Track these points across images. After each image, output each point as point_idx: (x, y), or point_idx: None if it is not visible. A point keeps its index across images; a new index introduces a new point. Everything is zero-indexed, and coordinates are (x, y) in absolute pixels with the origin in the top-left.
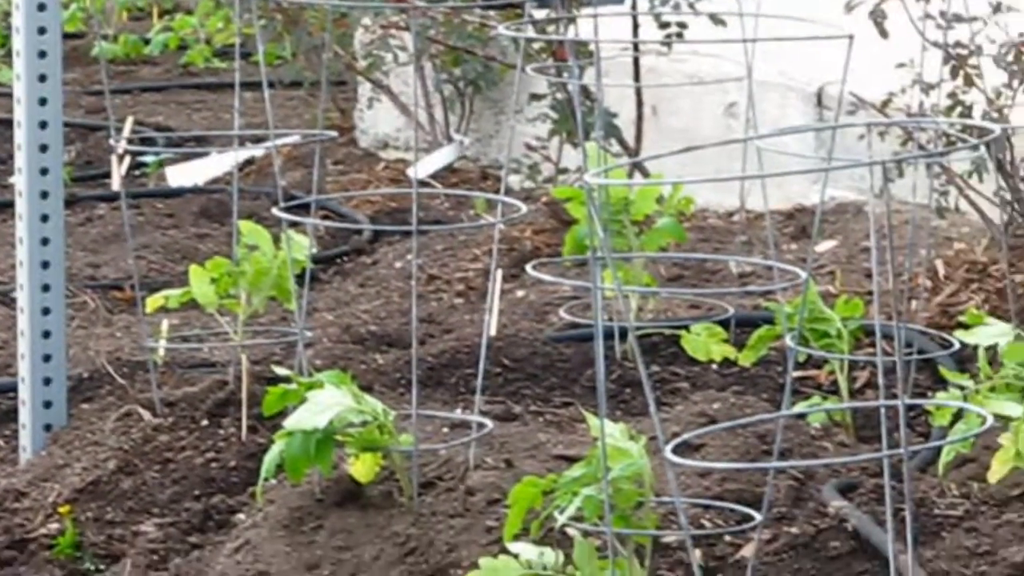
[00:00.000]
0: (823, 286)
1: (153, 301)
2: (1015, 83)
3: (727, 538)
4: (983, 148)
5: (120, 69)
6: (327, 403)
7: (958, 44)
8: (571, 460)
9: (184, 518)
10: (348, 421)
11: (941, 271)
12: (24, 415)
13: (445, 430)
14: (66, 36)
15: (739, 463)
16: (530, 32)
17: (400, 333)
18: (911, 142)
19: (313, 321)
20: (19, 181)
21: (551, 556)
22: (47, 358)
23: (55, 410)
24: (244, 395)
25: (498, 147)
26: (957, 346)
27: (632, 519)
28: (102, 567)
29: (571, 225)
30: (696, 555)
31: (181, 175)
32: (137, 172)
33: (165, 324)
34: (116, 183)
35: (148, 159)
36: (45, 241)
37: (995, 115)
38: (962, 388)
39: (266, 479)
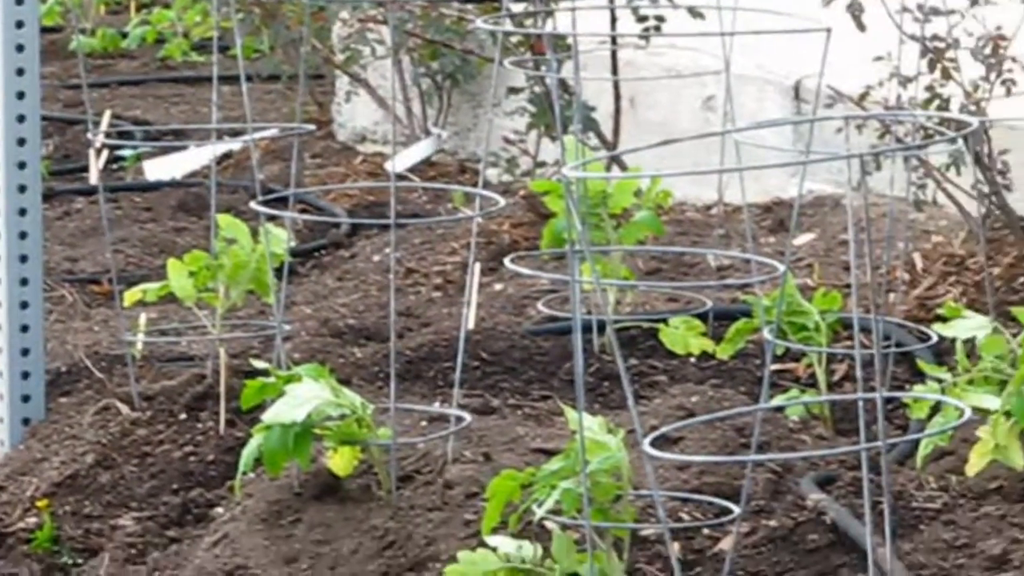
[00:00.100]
0: (801, 279)
1: (131, 295)
2: (992, 76)
3: (705, 531)
4: (961, 141)
5: (98, 63)
6: (305, 396)
7: (935, 37)
8: (549, 453)
9: (162, 512)
10: (326, 414)
11: (919, 264)
12: (2, 409)
13: (423, 423)
14: (44, 30)
15: (717, 456)
16: (508, 26)
17: (378, 326)
18: (889, 135)
19: (291, 315)
20: None
21: (529, 549)
22: (25, 352)
23: (33, 404)
24: (222, 389)
25: (476, 141)
26: (935, 339)
27: (610, 512)
28: (80, 561)
29: (549, 218)
30: (674, 548)
31: (159, 169)
32: (115, 166)
33: (143, 318)
34: (94, 177)
35: (126, 153)
36: (23, 235)
37: (973, 108)
38: (940, 381)
39: (244, 473)
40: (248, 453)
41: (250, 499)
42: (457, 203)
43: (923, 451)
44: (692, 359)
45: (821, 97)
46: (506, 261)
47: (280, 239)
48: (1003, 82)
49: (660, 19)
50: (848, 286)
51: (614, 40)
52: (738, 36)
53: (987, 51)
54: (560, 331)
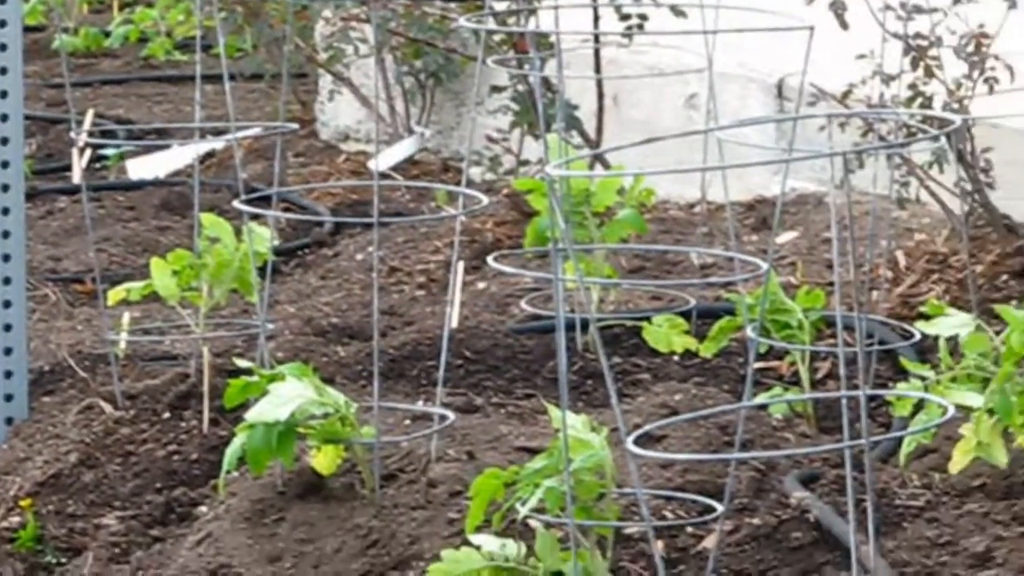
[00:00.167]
0: (784, 277)
1: (114, 294)
2: (975, 74)
3: (689, 529)
4: (944, 139)
5: (81, 62)
6: (289, 395)
7: (918, 35)
8: (533, 452)
9: (146, 511)
10: (310, 413)
11: (902, 262)
12: None
13: (407, 422)
14: (27, 29)
15: (701, 454)
16: (491, 24)
17: (362, 325)
18: (872, 133)
19: (275, 313)
20: None
21: (513, 548)
22: (8, 351)
23: (16, 403)
24: (206, 388)
25: (459, 139)
26: (918, 337)
27: (594, 511)
28: (64, 560)
29: (532, 217)
30: (658, 546)
31: (142, 168)
32: (98, 165)
33: (126, 317)
34: (77, 176)
35: (109, 152)
36: (6, 234)
37: (955, 106)
38: (923, 379)
39: (228, 471)
40: (231, 452)
41: (234, 498)
42: (440, 202)
43: (906, 449)
44: (675, 357)
45: (804, 95)
46: (489, 259)
47: (263, 238)
48: (986, 80)
49: (643, 17)
50: (831, 284)
51: (597, 38)
52: (721, 34)
53: (970, 49)
54: (543, 329)
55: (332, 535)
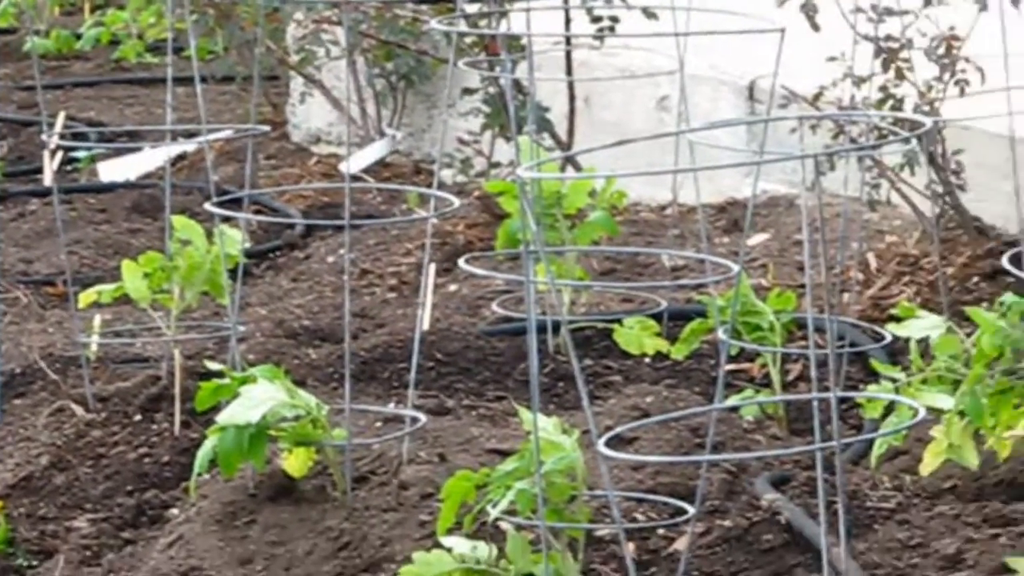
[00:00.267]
0: (755, 279)
1: (86, 296)
2: (946, 76)
3: (660, 531)
4: (915, 141)
5: (52, 64)
6: (260, 398)
7: (889, 37)
8: (504, 454)
9: (117, 513)
10: (281, 416)
11: (873, 264)
12: None
13: (378, 424)
14: None
15: (672, 456)
16: (462, 26)
17: (333, 327)
18: (843, 135)
19: (246, 316)
20: None
21: (484, 550)
22: None
23: None
24: (177, 390)
25: (431, 141)
26: (889, 339)
27: (565, 513)
28: (35, 563)
29: (504, 219)
30: (629, 548)
31: (113, 170)
32: (69, 167)
33: (98, 319)
34: (48, 178)
35: (80, 154)
36: None
37: (926, 108)
38: (894, 381)
39: (199, 474)
40: (203, 454)
41: (205, 500)
42: (412, 204)
43: (877, 451)
44: (647, 359)
45: (775, 97)
46: (461, 262)
47: (234, 240)
48: (956, 82)
49: (614, 20)
50: (802, 286)
51: (568, 41)
52: (692, 37)
53: (940, 51)
54: (515, 332)
55: (303, 537)
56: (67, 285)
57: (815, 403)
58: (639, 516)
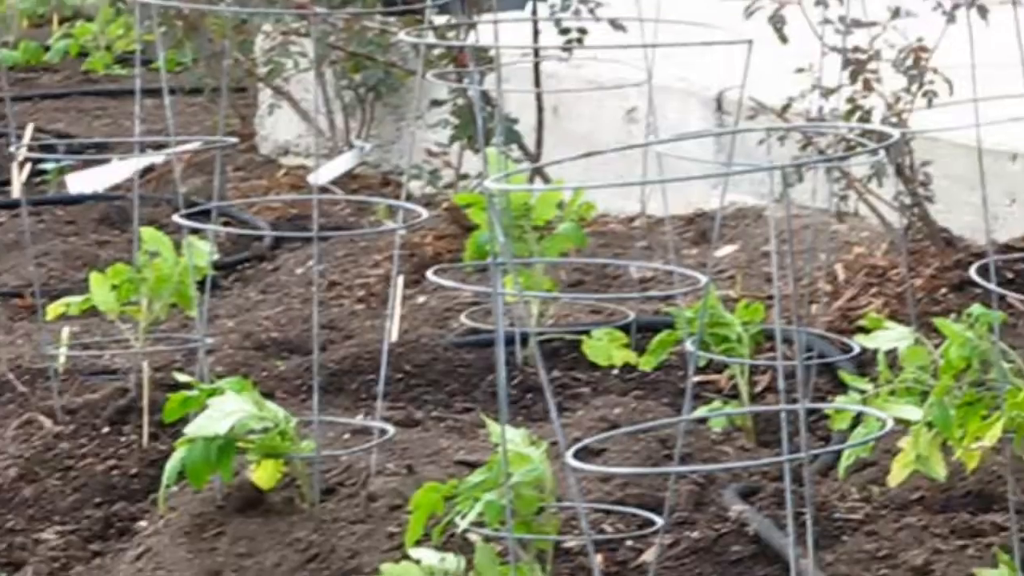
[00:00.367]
0: (723, 291)
1: (54, 308)
2: (914, 88)
3: (628, 543)
4: (882, 153)
5: (20, 76)
6: (228, 410)
7: (857, 49)
8: (472, 466)
9: (85, 526)
10: (249, 428)
11: (841, 275)
12: None
13: (346, 436)
14: None
15: (640, 468)
16: (430, 38)
17: (301, 339)
18: (811, 147)
19: (214, 328)
20: None
21: (453, 561)
22: None
23: None
24: (145, 402)
25: (399, 153)
26: (857, 350)
27: (533, 524)
28: (3, 575)
29: (472, 231)
30: (597, 560)
31: (82, 182)
32: (37, 179)
33: (66, 331)
34: (16, 190)
35: (48, 166)
36: None
37: (894, 120)
38: (862, 392)
39: (168, 486)
40: (171, 466)
41: (173, 512)
42: (380, 216)
43: (845, 462)
44: (615, 371)
45: (743, 109)
46: (429, 273)
47: (203, 252)
48: (924, 93)
49: (582, 31)
50: (770, 297)
51: (537, 52)
52: (660, 48)
53: (908, 63)
54: (483, 343)
55: (272, 549)
56: (35, 297)
57: (783, 415)
58: (607, 528)
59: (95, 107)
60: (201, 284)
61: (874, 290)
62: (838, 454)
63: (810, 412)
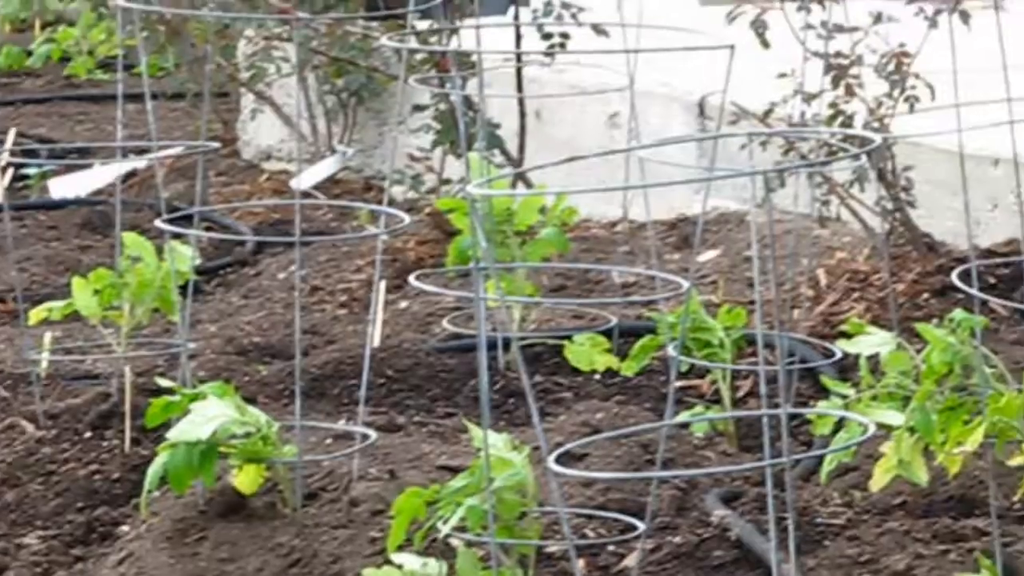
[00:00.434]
0: (705, 296)
1: (36, 313)
2: (896, 93)
3: (611, 548)
4: (864, 158)
5: (2, 81)
6: (210, 414)
7: (839, 54)
8: (454, 471)
9: (67, 530)
10: (231, 432)
11: (823, 280)
12: None
13: (329, 441)
14: None
15: (622, 473)
16: (413, 43)
17: (283, 344)
18: (793, 152)
19: (196, 333)
20: None
21: (435, 566)
22: None
23: None
24: (127, 407)
25: (381, 158)
26: (839, 355)
27: (515, 529)
28: None
29: (454, 236)
30: (579, 565)
31: (64, 187)
32: (20, 184)
33: (48, 336)
34: None
35: (31, 171)
36: None
37: (876, 125)
38: (844, 397)
39: (150, 491)
40: (153, 471)
41: (155, 517)
42: (362, 221)
43: (827, 467)
44: (597, 376)
45: (725, 114)
46: (411, 278)
47: (185, 257)
48: (906, 99)
49: (565, 36)
50: (752, 302)
51: (519, 57)
52: (643, 53)
53: (890, 68)
54: (465, 348)
55: (254, 554)
56: (17, 302)
57: (765, 419)
58: (589, 532)
59: (77, 112)
60: (183, 289)
61: (856, 295)
62: (820, 459)
63: (792, 417)
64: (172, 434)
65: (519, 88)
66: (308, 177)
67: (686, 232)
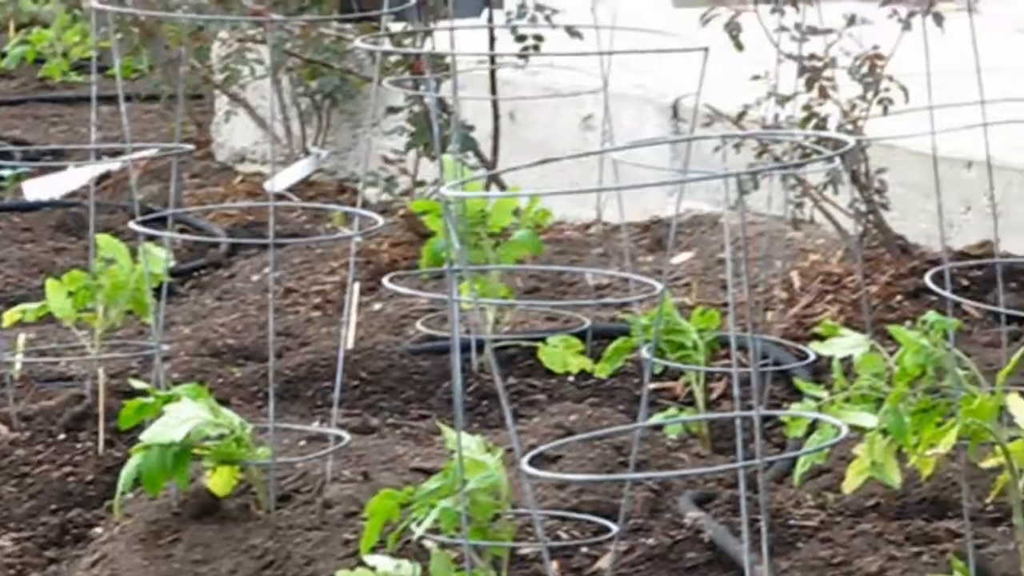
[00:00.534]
0: (679, 298)
1: (10, 315)
2: (869, 95)
3: (584, 550)
4: (838, 160)
5: None
6: (184, 416)
7: (813, 56)
8: (428, 473)
9: (41, 532)
10: (205, 434)
11: (796, 282)
12: None
13: (302, 443)
14: None
15: (596, 475)
16: (387, 45)
17: (257, 346)
18: (766, 154)
19: (170, 335)
20: None
21: (408, 568)
22: None
23: None
24: (101, 409)
25: (355, 160)
26: (812, 357)
27: (489, 531)
28: None
29: (428, 238)
30: (553, 567)
31: (38, 189)
32: None
33: (22, 338)
34: None
35: (5, 173)
36: None
37: (849, 127)
38: (817, 399)
39: (123, 493)
40: (127, 473)
41: (129, 519)
42: (336, 223)
43: (800, 469)
44: (571, 378)
45: (699, 116)
46: (385, 280)
47: (159, 259)
48: (880, 101)
49: (539, 39)
50: (726, 305)
51: (493, 60)
52: (617, 55)
53: (864, 70)
54: (439, 350)
55: (227, 556)
56: None
57: (738, 421)
58: (563, 534)
59: (51, 114)
60: (157, 291)
61: (829, 297)
62: (793, 461)
63: (765, 419)
64: (146, 436)
65: (493, 90)
66: (282, 179)
67: (660, 234)
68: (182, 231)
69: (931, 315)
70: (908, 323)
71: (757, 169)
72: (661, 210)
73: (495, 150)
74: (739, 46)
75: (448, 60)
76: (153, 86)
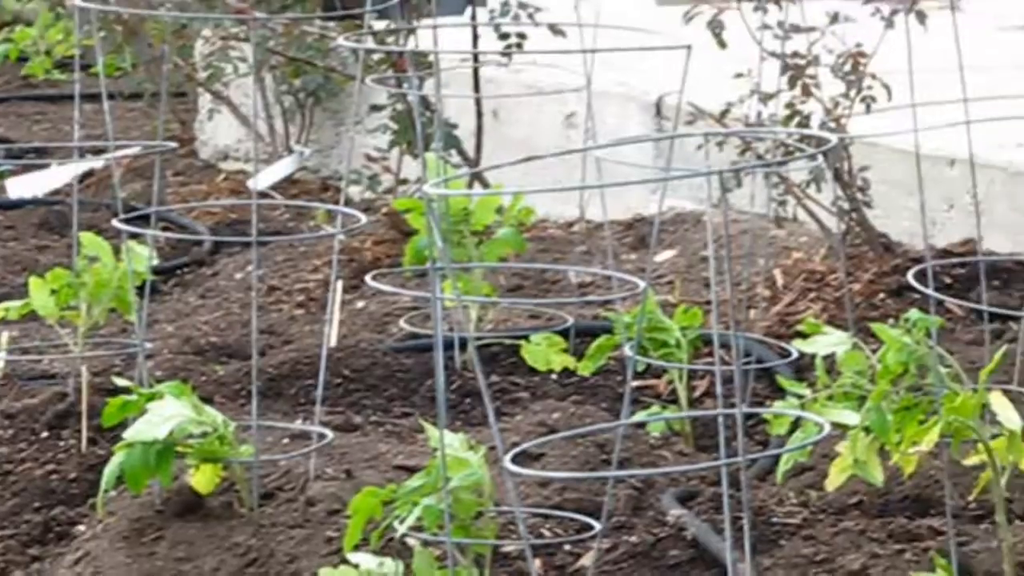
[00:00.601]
0: (662, 296)
1: None
2: (852, 93)
3: (567, 547)
4: (821, 158)
5: None
6: (167, 414)
7: (796, 54)
8: (411, 470)
9: (24, 530)
10: (188, 432)
11: (779, 280)
12: None
13: (285, 441)
14: None
15: (578, 473)
16: (370, 43)
17: (240, 344)
18: (749, 152)
19: (153, 332)
20: None
21: (391, 566)
22: None
23: None
24: (84, 407)
25: (338, 158)
26: (795, 355)
27: (472, 529)
28: None
29: (411, 236)
30: (536, 564)
31: (21, 187)
32: None
33: (5, 336)
34: None
35: None
36: None
37: (832, 125)
38: (800, 397)
39: (106, 491)
40: (110, 471)
41: (112, 517)
42: (319, 221)
43: (783, 467)
44: (553, 376)
45: (682, 114)
46: (368, 278)
47: (142, 257)
48: (863, 99)
49: (522, 36)
50: (709, 303)
51: (476, 57)
52: (600, 53)
53: (847, 68)
54: (422, 348)
55: (211, 553)
56: None
57: (721, 419)
58: (546, 532)
59: (34, 112)
60: (140, 289)
61: (812, 295)
62: (776, 459)
63: (748, 417)
64: (129, 434)
65: (476, 88)
66: (265, 177)
67: (642, 232)
68: (165, 229)
69: (914, 313)
70: (891, 321)
71: (740, 167)
72: (644, 208)
73: (478, 148)
74: (722, 44)
75: (431, 58)
76: (136, 84)
